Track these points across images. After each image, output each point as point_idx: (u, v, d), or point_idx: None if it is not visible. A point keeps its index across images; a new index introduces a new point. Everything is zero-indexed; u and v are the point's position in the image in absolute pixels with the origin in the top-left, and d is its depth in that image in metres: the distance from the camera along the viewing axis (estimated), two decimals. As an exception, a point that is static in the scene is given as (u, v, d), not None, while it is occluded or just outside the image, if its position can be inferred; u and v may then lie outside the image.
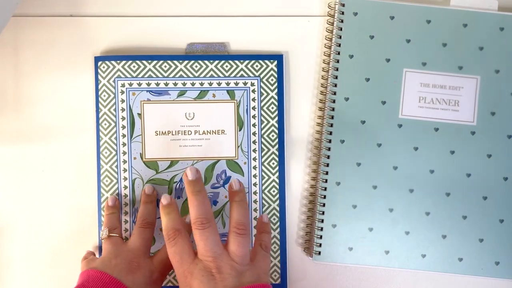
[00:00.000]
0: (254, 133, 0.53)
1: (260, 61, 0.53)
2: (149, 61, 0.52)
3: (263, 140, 0.53)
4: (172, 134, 0.53)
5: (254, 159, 0.53)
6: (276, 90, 0.53)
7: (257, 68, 0.53)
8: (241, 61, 0.53)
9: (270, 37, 0.54)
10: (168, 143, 0.53)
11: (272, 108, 0.53)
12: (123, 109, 0.53)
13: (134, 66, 0.52)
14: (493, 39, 0.52)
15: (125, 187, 0.53)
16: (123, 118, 0.53)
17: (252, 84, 0.53)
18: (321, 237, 0.52)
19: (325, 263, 0.52)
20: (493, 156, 0.52)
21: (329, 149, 0.52)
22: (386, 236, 0.52)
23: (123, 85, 0.52)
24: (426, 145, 0.52)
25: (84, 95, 0.54)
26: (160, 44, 0.54)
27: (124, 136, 0.53)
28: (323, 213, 0.52)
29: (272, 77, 0.53)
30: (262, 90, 0.53)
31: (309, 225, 0.53)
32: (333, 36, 0.52)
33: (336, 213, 0.52)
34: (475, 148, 0.52)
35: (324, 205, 0.52)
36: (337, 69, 0.52)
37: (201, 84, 0.53)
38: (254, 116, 0.53)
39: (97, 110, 0.53)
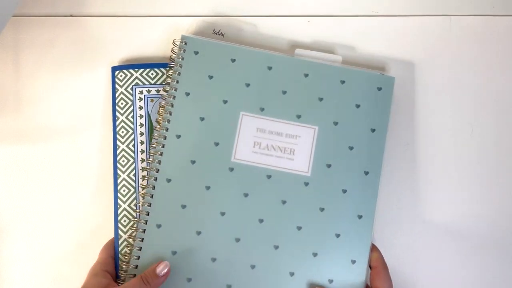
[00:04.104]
0: None
1: None
2: (167, 69, 0.52)
3: None
4: None
5: None
6: None
7: None
8: None
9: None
10: None
11: None
12: (141, 116, 0.52)
13: (152, 74, 0.52)
14: (333, 91, 0.51)
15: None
16: (141, 125, 0.51)
17: None
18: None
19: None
20: (326, 210, 0.49)
21: (153, 187, 0.49)
22: (206, 289, 0.47)
23: (141, 92, 0.52)
24: (257, 193, 0.49)
25: (84, 94, 0.54)
26: (160, 41, 0.54)
27: (142, 143, 0.51)
28: (138, 258, 0.47)
29: None
30: None
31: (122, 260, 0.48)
32: (173, 72, 0.51)
33: (152, 259, 0.47)
34: (308, 200, 0.49)
35: (140, 249, 0.47)
36: (172, 105, 0.50)
37: None
38: None
39: (114, 118, 0.52)
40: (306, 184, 0.49)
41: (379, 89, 0.51)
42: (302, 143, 0.50)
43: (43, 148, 0.53)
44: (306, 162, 0.50)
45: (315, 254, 0.48)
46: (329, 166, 0.50)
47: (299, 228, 0.49)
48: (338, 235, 0.49)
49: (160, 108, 0.50)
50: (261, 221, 0.49)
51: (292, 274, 0.48)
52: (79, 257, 0.52)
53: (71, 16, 0.55)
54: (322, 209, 0.49)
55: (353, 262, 0.48)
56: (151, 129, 0.52)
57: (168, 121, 0.50)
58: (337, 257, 0.48)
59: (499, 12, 0.55)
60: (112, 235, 0.50)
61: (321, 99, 0.51)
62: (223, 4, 0.55)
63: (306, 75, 0.51)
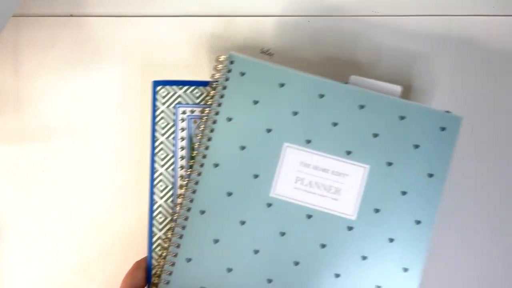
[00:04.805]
0: None
1: None
2: (208, 88, 0.48)
3: None
4: None
5: None
6: None
7: None
8: None
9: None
10: None
11: None
12: (182, 138, 0.48)
13: (197, 92, 0.48)
14: (391, 127, 0.46)
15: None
16: (182, 148, 0.48)
17: None
18: (157, 317, 0.45)
19: None
20: (369, 259, 0.45)
21: (186, 218, 0.46)
22: (233, 330, 0.45)
23: (184, 112, 0.48)
24: (295, 232, 0.45)
25: (84, 95, 0.53)
26: (160, 42, 0.54)
27: (182, 168, 0.48)
28: (165, 290, 0.45)
29: None
30: None
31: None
32: (215, 93, 0.47)
33: (180, 293, 0.45)
34: (350, 246, 0.45)
35: (168, 283, 0.45)
36: (212, 131, 0.46)
37: None
38: None
39: (153, 139, 0.48)
40: (350, 228, 0.45)
41: (443, 129, 0.46)
42: (350, 182, 0.46)
43: (43, 148, 0.53)
44: (352, 204, 0.45)
45: (352, 306, 0.45)
46: (377, 211, 0.45)
47: (337, 275, 0.45)
48: (379, 287, 0.45)
49: (199, 132, 0.47)
50: (296, 263, 0.45)
51: (325, 324, 0.45)
52: (79, 258, 0.52)
53: (71, 16, 0.54)
54: (364, 258, 0.45)
55: (394, 319, 0.44)
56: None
57: (206, 148, 0.46)
58: (376, 311, 0.44)
59: (499, 12, 0.54)
60: (112, 237, 0.51)
61: (376, 135, 0.46)
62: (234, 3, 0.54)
63: (362, 107, 0.46)
